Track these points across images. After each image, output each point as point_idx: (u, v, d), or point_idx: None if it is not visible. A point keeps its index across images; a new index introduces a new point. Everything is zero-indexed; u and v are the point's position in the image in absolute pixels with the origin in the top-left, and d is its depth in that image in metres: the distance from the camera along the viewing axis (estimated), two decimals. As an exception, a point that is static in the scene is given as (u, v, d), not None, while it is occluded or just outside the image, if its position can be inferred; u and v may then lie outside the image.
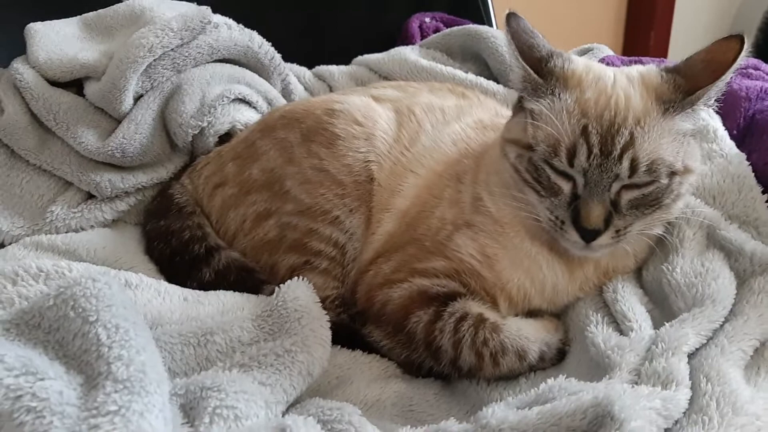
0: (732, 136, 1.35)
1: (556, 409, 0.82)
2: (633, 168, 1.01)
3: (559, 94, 1.07)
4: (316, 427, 0.83)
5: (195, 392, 0.87)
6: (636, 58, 1.72)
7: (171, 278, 1.33)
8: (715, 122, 1.36)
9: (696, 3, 3.71)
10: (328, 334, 1.09)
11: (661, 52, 3.72)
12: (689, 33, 3.75)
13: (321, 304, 1.14)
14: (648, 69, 1.13)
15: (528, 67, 1.08)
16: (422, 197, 1.27)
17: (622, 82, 1.09)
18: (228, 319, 1.10)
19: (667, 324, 0.99)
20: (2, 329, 0.87)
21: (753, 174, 1.24)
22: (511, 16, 1.09)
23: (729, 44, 1.05)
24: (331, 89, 1.85)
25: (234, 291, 1.23)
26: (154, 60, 1.47)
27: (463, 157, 1.28)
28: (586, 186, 1.03)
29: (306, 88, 1.84)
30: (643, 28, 3.70)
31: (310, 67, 1.92)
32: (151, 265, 1.37)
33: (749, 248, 1.10)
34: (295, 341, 1.02)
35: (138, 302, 1.10)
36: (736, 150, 1.29)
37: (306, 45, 1.98)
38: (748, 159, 1.27)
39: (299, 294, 1.12)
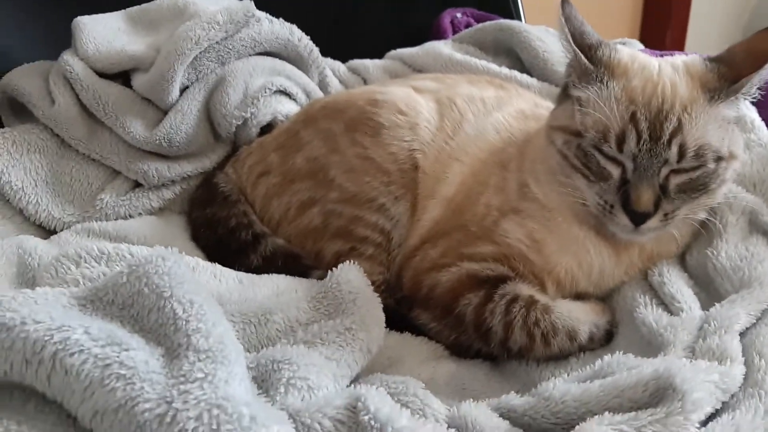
0: (768, 127, 1.38)
1: (617, 381, 0.85)
2: (681, 153, 1.04)
3: (607, 82, 1.10)
4: (386, 397, 0.86)
5: (266, 365, 0.90)
6: (668, 52, 1.75)
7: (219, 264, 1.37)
8: (752, 113, 1.39)
9: (712, -1, 3.74)
10: (382, 314, 1.11)
11: (678, 48, 3.74)
12: (705, 28, 3.78)
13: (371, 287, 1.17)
14: (692, 58, 1.16)
15: (579, 52, 1.10)
16: (467, 184, 1.30)
17: (667, 70, 1.12)
18: (284, 300, 1.12)
19: (717, 305, 1.02)
20: (78, 305, 0.90)
21: (791, 162, 1.27)
22: (565, 2, 1.12)
23: None
24: (365, 82, 1.88)
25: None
26: (200, 52, 1.51)
27: (507, 145, 1.31)
28: (635, 170, 1.06)
29: (341, 82, 1.87)
30: (660, 24, 3.72)
31: (344, 61, 1.95)
32: (198, 251, 1.40)
33: (792, 233, 1.13)
34: (354, 320, 1.04)
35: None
36: (774, 139, 1.32)
37: (338, 40, 2.01)
38: (785, 148, 1.30)
39: (351, 277, 1.15)
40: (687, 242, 1.22)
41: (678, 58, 1.17)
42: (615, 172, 1.08)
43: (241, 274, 1.21)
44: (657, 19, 3.70)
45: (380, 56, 1.98)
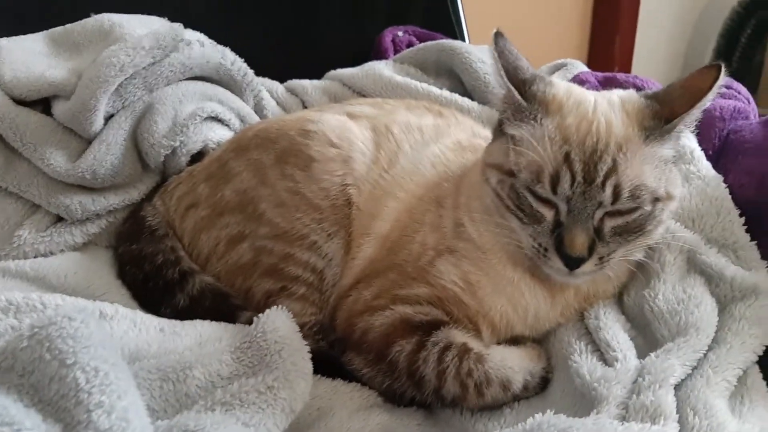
0: (708, 157, 1.36)
1: (546, 448, 0.81)
2: (616, 194, 1.01)
3: (541, 120, 1.06)
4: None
5: (178, 436, 0.85)
6: (610, 74, 1.73)
7: (144, 304, 1.31)
8: (692, 143, 1.37)
9: (659, 12, 3.76)
10: (310, 366, 1.06)
11: (626, 61, 3.76)
12: (653, 42, 3.80)
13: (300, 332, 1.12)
14: (628, 94, 1.13)
15: (513, 89, 1.07)
16: (403, 221, 1.25)
17: (603, 107, 1.09)
18: (206, 351, 1.07)
19: (652, 354, 0.99)
20: (-27, 372, 0.83)
21: (730, 196, 1.25)
22: (498, 36, 1.08)
23: (708, 72, 1.06)
24: (304, 104, 1.83)
25: (209, 317, 1.21)
26: (125, 79, 1.43)
27: (443, 180, 1.27)
28: (569, 213, 1.03)
29: (278, 103, 1.81)
30: (608, 38, 3.74)
31: (282, 81, 1.89)
32: (124, 290, 1.34)
33: (729, 273, 1.11)
34: (277, 377, 0.99)
35: (114, 335, 1.06)
36: (713, 171, 1.30)
37: (278, 59, 1.95)
38: (724, 180, 1.28)
39: (278, 324, 1.09)
40: (624, 282, 1.20)
41: (614, 94, 1.14)
42: (548, 214, 1.05)
43: (163, 322, 1.15)
44: (605, 34, 3.71)
45: (321, 75, 1.92)
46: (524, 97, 1.08)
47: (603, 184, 1.01)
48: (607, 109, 1.08)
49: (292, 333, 1.10)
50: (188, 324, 1.15)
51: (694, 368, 0.98)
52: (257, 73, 1.75)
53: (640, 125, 1.06)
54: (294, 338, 1.09)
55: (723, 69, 1.05)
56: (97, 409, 0.77)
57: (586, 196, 1.02)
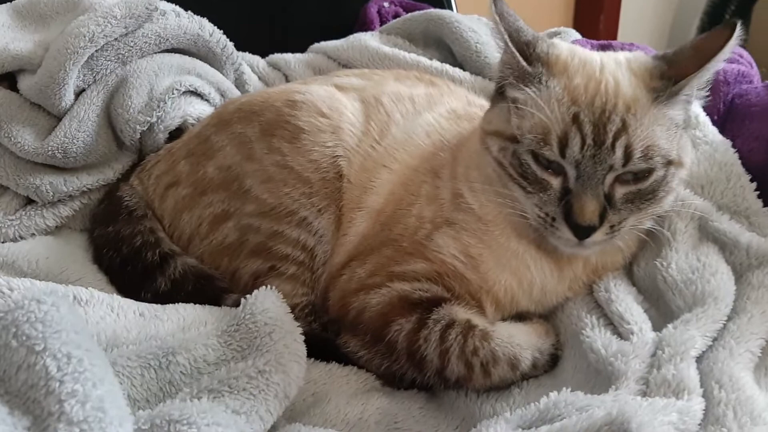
0: (713, 122, 1.30)
1: (565, 428, 0.75)
2: (627, 156, 0.95)
3: (546, 81, 1.00)
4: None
5: (162, 426, 0.77)
6: (606, 42, 1.67)
7: (122, 289, 1.23)
8: (696, 108, 1.31)
9: (644, -16, 3.73)
10: (303, 348, 0.99)
11: (611, 34, 3.72)
12: (638, 15, 3.77)
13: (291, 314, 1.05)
14: (635, 55, 1.07)
15: (517, 53, 1.00)
16: (397, 194, 1.18)
17: (610, 66, 1.02)
18: (190, 336, 0.99)
19: (669, 326, 0.93)
20: (-68, 362, 0.75)
21: (740, 161, 1.19)
22: None
23: (720, 32, 0.99)
24: (287, 79, 1.74)
25: (193, 301, 1.14)
26: (96, 51, 1.35)
27: (439, 150, 1.20)
28: (578, 179, 0.96)
29: (260, 78, 1.73)
30: (593, 12, 3.69)
31: (263, 55, 1.81)
32: (101, 275, 1.26)
33: (745, 240, 1.05)
34: (269, 360, 0.92)
35: (90, 321, 0.98)
36: (720, 136, 1.24)
37: (258, 32, 1.87)
38: (732, 146, 1.22)
39: (268, 305, 1.02)
40: (634, 252, 1.14)
41: (621, 54, 1.07)
42: (555, 181, 0.98)
43: (143, 306, 1.07)
44: (590, 6, 3.66)
45: (303, 49, 1.84)
46: (527, 60, 1.01)
47: (613, 145, 0.95)
48: (614, 68, 1.02)
49: (283, 314, 1.03)
50: (170, 308, 1.08)
51: (715, 339, 0.92)
52: (237, 48, 1.66)
53: (647, 86, 0.99)
54: (285, 319, 1.02)
55: (738, 28, 0.98)
56: (70, 398, 0.70)
57: (596, 159, 0.95)
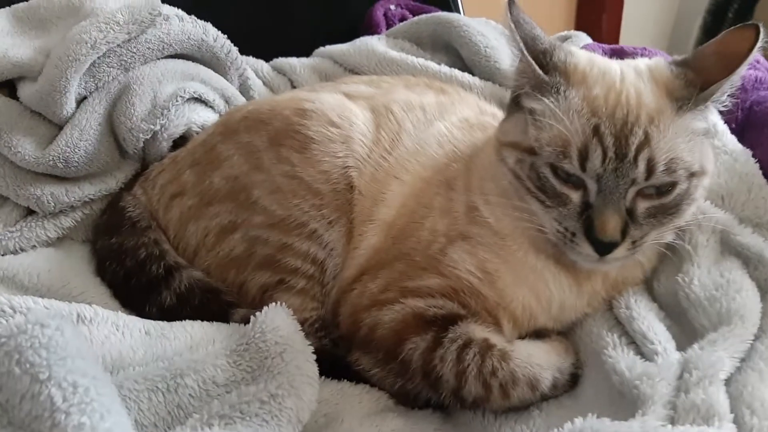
0: (731, 131, 1.27)
1: (594, 458, 0.72)
2: (650, 170, 0.92)
3: (564, 92, 0.97)
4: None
5: (173, 458, 0.74)
6: (618, 46, 1.63)
7: (126, 303, 1.20)
8: (714, 116, 1.28)
9: (646, -15, 3.70)
10: (315, 369, 0.96)
11: (613, 35, 3.69)
12: (640, 14, 3.74)
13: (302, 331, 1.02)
14: (656, 62, 1.03)
15: (533, 62, 0.97)
16: (409, 206, 1.15)
17: (630, 76, 0.99)
18: (198, 356, 0.96)
19: (695, 346, 0.90)
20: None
21: (760, 172, 1.16)
22: (511, 4, 0.98)
23: (743, 34, 0.96)
24: (292, 84, 1.71)
25: (199, 316, 1.11)
26: (98, 57, 1.32)
27: (452, 161, 1.17)
28: (599, 193, 0.93)
29: (265, 83, 1.69)
30: (595, 14, 3.66)
31: (267, 59, 1.77)
32: (104, 288, 1.23)
33: (769, 255, 1.02)
34: (281, 383, 0.89)
35: (94, 341, 0.95)
36: (740, 146, 1.20)
37: (262, 36, 1.83)
38: (752, 155, 1.19)
39: (279, 323, 0.99)
40: (654, 266, 1.10)
41: (641, 62, 1.04)
42: (575, 195, 0.95)
43: (149, 323, 1.04)
44: (591, 13, 3.63)
45: (309, 53, 1.80)
46: (545, 69, 0.98)
47: (635, 158, 0.92)
48: (635, 78, 0.99)
49: (294, 332, 1.00)
50: (177, 325, 1.04)
51: (743, 360, 0.89)
52: (241, 53, 1.63)
53: (671, 95, 0.96)
54: (296, 338, 0.99)
55: (762, 30, 0.95)
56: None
57: (618, 173, 0.92)
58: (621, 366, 0.90)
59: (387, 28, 1.86)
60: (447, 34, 1.71)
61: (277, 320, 0.99)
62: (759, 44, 0.95)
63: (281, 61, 1.76)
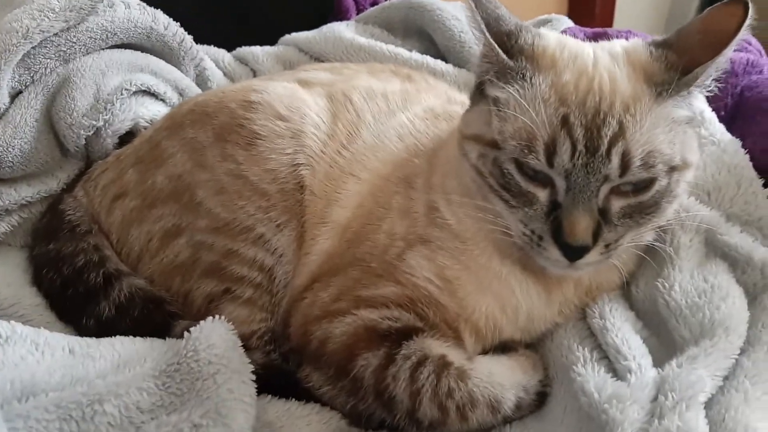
0: (719, 118, 1.17)
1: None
2: (625, 165, 0.82)
3: (531, 78, 0.86)
4: None
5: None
6: (601, 29, 1.53)
7: (63, 315, 1.12)
8: (700, 102, 1.18)
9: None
10: (252, 392, 0.87)
11: (607, 19, 3.58)
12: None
13: (244, 347, 0.93)
14: (634, 44, 0.92)
15: (496, 45, 0.86)
16: (366, 207, 1.04)
17: (604, 60, 0.89)
18: (124, 378, 0.86)
19: (673, 363, 0.80)
20: None
21: (750, 164, 1.05)
22: None
23: (730, 10, 0.86)
24: (254, 74, 1.61)
25: (140, 328, 1.02)
26: (33, 48, 1.22)
27: (413, 155, 1.06)
28: (569, 191, 0.83)
29: (226, 74, 1.60)
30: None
31: (230, 49, 1.67)
32: (39, 299, 1.13)
33: (759, 256, 0.92)
34: (207, 410, 0.79)
35: (6, 363, 0.85)
36: (729, 135, 1.11)
37: (225, 24, 1.72)
38: (742, 145, 1.09)
39: (215, 339, 0.89)
40: (632, 270, 1.00)
41: (617, 44, 0.93)
42: (542, 194, 0.85)
43: (75, 341, 0.94)
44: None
45: (275, 41, 1.70)
46: (509, 53, 0.88)
47: (608, 152, 0.81)
48: (610, 62, 0.89)
49: (232, 350, 0.90)
50: (106, 342, 0.94)
51: (726, 378, 0.79)
52: (201, 41, 1.53)
53: (649, 80, 0.85)
54: (233, 356, 0.89)
55: (751, 6, 0.84)
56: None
57: (588, 168, 0.82)
58: (590, 386, 0.80)
59: (357, 14, 1.76)
60: (420, 19, 1.61)
61: (214, 337, 0.89)
62: (747, 21, 0.85)
63: (243, 51, 1.66)
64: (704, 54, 0.85)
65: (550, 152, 0.82)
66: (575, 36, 1.49)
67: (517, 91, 0.86)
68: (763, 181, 1.04)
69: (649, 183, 0.84)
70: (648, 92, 0.85)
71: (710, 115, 1.15)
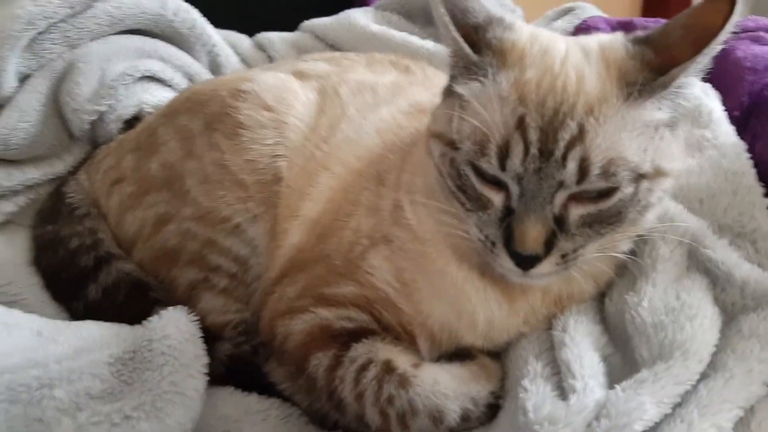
0: (733, 118, 1.09)
1: None
2: (582, 171, 0.76)
3: (494, 75, 0.81)
4: None
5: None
6: (627, 19, 1.44)
7: (57, 296, 1.14)
8: (711, 101, 1.10)
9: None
10: (198, 386, 0.87)
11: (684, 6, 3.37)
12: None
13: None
14: (611, 40, 0.86)
15: (459, 38, 0.82)
16: (336, 202, 1.03)
17: (575, 57, 0.83)
18: (80, 363, 0.88)
19: (619, 387, 0.75)
20: None
21: (754, 170, 0.97)
22: None
23: (716, 5, 0.78)
24: (271, 60, 1.60)
25: (123, 313, 1.03)
26: (39, 34, 1.25)
27: (389, 151, 1.03)
28: (521, 197, 0.78)
29: (243, 60, 1.60)
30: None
31: (251, 34, 1.67)
32: (36, 278, 1.17)
33: (740, 275, 0.84)
34: (142, 402, 0.80)
35: (-31, 342, 0.89)
36: (734, 138, 1.02)
37: (248, 8, 1.72)
38: (751, 149, 1.01)
39: (171, 330, 0.90)
40: (610, 279, 0.94)
41: (594, 39, 0.87)
42: (496, 198, 0.81)
43: (44, 323, 0.97)
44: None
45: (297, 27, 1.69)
46: (476, 47, 0.83)
47: (564, 157, 0.76)
48: (581, 59, 0.82)
49: (187, 342, 0.91)
50: (74, 326, 0.97)
51: (678, 406, 0.73)
52: (223, 26, 1.53)
53: (621, 80, 0.79)
54: (186, 349, 0.90)
55: (739, 1, 0.77)
56: None
57: (541, 174, 0.77)
58: (530, 404, 0.76)
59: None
60: (439, 7, 1.55)
61: (170, 327, 0.90)
62: (734, 18, 0.77)
63: (262, 36, 1.65)
64: (685, 52, 0.77)
65: (503, 155, 0.78)
66: (596, 26, 1.42)
67: (478, 88, 0.81)
68: (764, 191, 0.95)
69: (610, 191, 0.79)
70: (618, 93, 0.78)
71: (719, 116, 1.07)
